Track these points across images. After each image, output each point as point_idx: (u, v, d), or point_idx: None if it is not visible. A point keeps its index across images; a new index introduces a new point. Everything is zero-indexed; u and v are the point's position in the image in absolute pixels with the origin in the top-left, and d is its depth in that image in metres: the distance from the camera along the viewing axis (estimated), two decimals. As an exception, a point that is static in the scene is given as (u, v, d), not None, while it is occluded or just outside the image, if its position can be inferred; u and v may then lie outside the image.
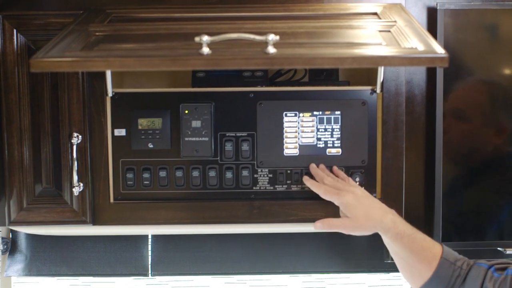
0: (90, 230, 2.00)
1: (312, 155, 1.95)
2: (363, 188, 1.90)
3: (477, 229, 2.11)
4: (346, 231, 1.82)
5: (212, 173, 1.94)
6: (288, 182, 1.96)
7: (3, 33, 1.90)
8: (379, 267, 2.32)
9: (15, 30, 1.90)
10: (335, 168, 1.94)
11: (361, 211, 1.80)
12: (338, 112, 1.94)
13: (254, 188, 1.96)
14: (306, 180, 1.92)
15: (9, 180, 1.94)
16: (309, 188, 1.94)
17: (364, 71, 2.06)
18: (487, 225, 2.10)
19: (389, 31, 1.76)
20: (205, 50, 1.59)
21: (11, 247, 2.31)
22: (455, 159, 2.07)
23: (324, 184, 1.87)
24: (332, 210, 1.94)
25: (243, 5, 1.94)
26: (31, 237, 2.30)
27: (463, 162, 2.08)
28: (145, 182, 1.95)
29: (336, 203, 1.83)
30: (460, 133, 2.06)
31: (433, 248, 1.80)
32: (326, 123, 1.94)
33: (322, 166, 1.93)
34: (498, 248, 2.11)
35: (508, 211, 2.10)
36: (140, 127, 1.93)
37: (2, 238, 2.30)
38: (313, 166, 1.93)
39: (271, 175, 1.96)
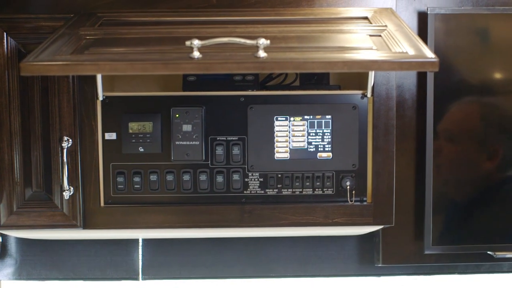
0: (80, 234, 1.99)
1: (303, 159, 1.95)
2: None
3: (467, 233, 2.11)
4: None
5: (203, 177, 1.94)
6: (279, 186, 1.96)
7: (-6, 37, 1.90)
8: (369, 271, 2.32)
9: (5, 34, 1.90)
10: None
11: None
12: (329, 116, 1.94)
13: (245, 192, 1.96)
14: None
15: (-1, 184, 1.94)
16: (299, 192, 1.95)
17: (355, 76, 2.06)
18: (477, 228, 2.10)
19: (380, 35, 1.77)
20: (196, 54, 1.59)
21: (1, 251, 2.30)
22: (446, 163, 2.08)
23: None
24: (322, 214, 1.94)
25: (234, 9, 1.94)
26: (21, 241, 2.29)
27: (454, 167, 2.09)
28: (135, 186, 1.95)
29: None
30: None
31: None
32: (317, 127, 1.94)
33: None
34: (488, 252, 2.11)
35: (498, 215, 2.11)
36: (130, 131, 1.93)
37: (-8, 242, 2.30)
38: None
39: (261, 179, 1.96)
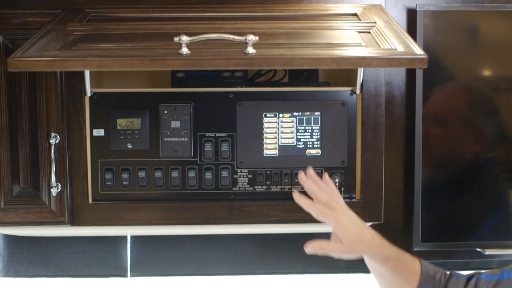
0: (68, 231, 1.99)
1: (292, 156, 1.94)
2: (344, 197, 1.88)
3: (456, 230, 2.11)
4: (337, 255, 1.75)
5: (191, 174, 1.94)
6: (267, 182, 1.95)
7: (-19, 32, 1.89)
8: (359, 268, 2.32)
9: (-8, 29, 1.89)
10: (326, 176, 1.83)
11: (353, 234, 1.73)
12: (318, 113, 1.94)
13: (233, 188, 1.95)
14: (299, 198, 1.76)
15: (-14, 181, 1.93)
16: (288, 189, 1.94)
17: (343, 72, 2.06)
18: (466, 225, 2.11)
19: (369, 32, 1.77)
20: (184, 50, 1.59)
21: (-12, 248, 2.30)
22: (434, 160, 2.08)
23: (318, 203, 1.76)
24: (311, 211, 1.94)
25: (223, 5, 1.94)
26: (8, 238, 2.29)
27: (442, 164, 2.09)
28: (124, 183, 1.94)
29: (331, 225, 1.74)
30: (439, 137, 2.07)
31: (414, 266, 1.77)
32: (306, 124, 1.94)
33: (311, 171, 1.81)
34: (477, 249, 2.12)
35: (486, 212, 2.11)
36: (119, 127, 1.92)
37: (-20, 239, 2.29)
38: (303, 179, 1.79)
39: (250, 176, 1.95)
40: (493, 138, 2.10)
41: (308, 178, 1.79)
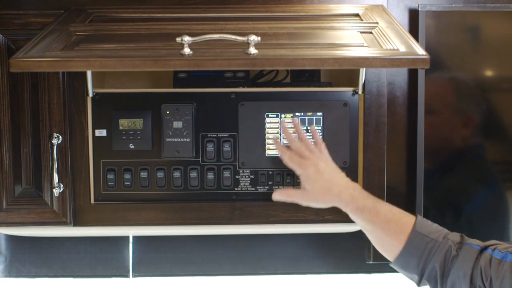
0: (70, 231, 1.99)
1: (294, 156, 1.94)
2: (330, 158, 1.86)
3: (458, 230, 2.11)
4: (303, 203, 1.83)
5: (193, 174, 1.94)
6: (269, 183, 1.95)
7: (-17, 33, 1.89)
8: (360, 268, 2.33)
9: (-5, 30, 1.89)
10: (312, 128, 1.90)
11: (320, 185, 1.79)
12: (320, 113, 1.94)
13: (235, 189, 1.96)
14: (276, 142, 1.90)
15: (-12, 181, 1.93)
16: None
17: (346, 72, 2.06)
18: (469, 226, 2.11)
19: (371, 32, 1.77)
20: (187, 50, 1.59)
21: (-10, 248, 2.30)
22: (436, 161, 2.08)
23: (290, 150, 1.84)
24: (313, 211, 1.94)
25: (225, 6, 1.94)
26: (10, 238, 2.29)
27: (445, 165, 2.09)
28: (126, 183, 1.94)
29: (297, 173, 1.82)
30: (441, 137, 2.07)
31: (402, 221, 1.75)
32: (308, 124, 1.94)
33: (296, 121, 1.88)
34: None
35: (489, 213, 2.11)
36: (121, 128, 1.92)
37: (-18, 239, 2.29)
38: (284, 126, 1.88)
39: (252, 176, 1.95)
40: (495, 138, 2.09)
41: (286, 126, 1.88)
